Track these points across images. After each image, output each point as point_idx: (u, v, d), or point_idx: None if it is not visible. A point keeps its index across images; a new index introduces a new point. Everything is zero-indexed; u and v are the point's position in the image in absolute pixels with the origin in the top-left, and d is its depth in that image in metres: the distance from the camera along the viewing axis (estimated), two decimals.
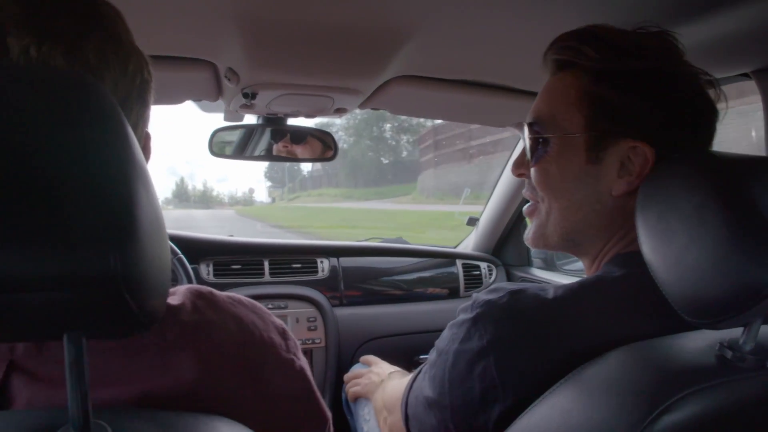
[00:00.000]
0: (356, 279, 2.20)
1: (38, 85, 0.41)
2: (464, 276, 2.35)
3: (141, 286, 0.40)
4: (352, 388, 1.42)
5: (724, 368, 0.62)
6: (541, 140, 0.86)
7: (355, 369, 1.60)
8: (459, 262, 2.37)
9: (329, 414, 0.74)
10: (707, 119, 0.82)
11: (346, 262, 2.21)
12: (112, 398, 0.53)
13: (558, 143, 0.84)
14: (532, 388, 0.69)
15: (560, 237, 0.88)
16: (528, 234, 0.94)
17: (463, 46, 1.21)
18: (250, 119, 1.74)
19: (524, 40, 1.12)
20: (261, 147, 1.79)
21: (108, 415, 0.46)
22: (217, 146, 1.76)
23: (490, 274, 2.41)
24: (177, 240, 1.91)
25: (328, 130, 1.79)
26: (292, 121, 1.73)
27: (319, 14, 1.03)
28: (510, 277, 2.45)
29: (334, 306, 2.10)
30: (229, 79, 1.33)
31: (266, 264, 2.08)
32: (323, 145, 1.81)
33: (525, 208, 0.96)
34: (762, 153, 1.14)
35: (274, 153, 1.79)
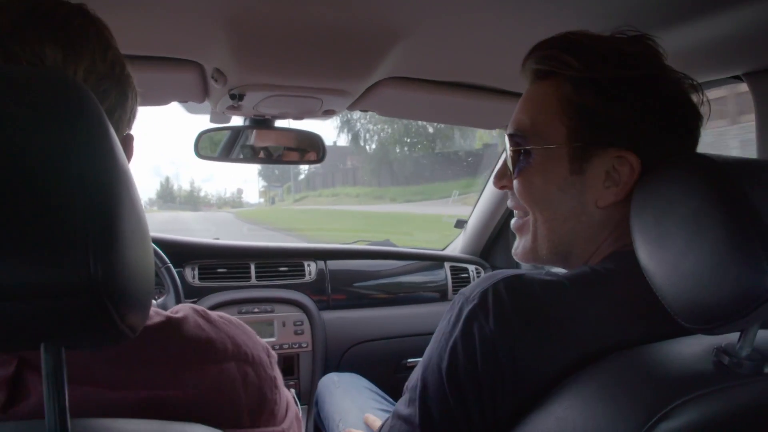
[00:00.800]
0: (344, 282, 2.19)
1: (17, 86, 0.40)
2: (452, 279, 2.35)
3: (123, 295, 0.39)
4: None
5: (722, 374, 0.61)
6: (522, 151, 0.84)
7: None
8: (447, 265, 2.37)
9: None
10: (691, 124, 0.81)
11: (334, 265, 2.19)
12: (119, 400, 0.54)
13: (540, 154, 0.82)
14: (537, 380, 0.67)
15: (549, 250, 0.86)
16: (517, 249, 0.91)
17: (452, 48, 1.21)
18: (237, 121, 1.72)
19: (513, 43, 1.12)
20: (247, 149, 1.77)
21: (88, 426, 0.45)
22: (203, 148, 1.74)
23: (479, 277, 2.40)
24: (161, 243, 1.89)
25: (316, 132, 1.78)
26: (279, 123, 1.71)
27: (308, 15, 1.02)
28: None
29: (321, 309, 2.09)
30: (216, 80, 1.32)
31: (252, 267, 2.07)
32: (311, 147, 1.79)
33: (513, 223, 0.93)
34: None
35: (261, 156, 1.78)
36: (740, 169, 0.63)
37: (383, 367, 2.11)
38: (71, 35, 0.57)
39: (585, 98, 0.78)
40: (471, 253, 2.51)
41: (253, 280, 2.05)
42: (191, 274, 1.98)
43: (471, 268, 2.41)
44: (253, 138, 1.76)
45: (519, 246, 0.91)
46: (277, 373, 0.72)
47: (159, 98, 1.53)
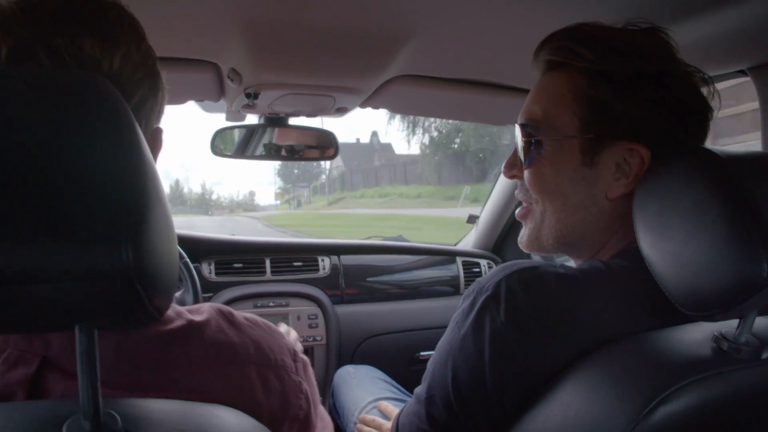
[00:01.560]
0: (357, 277, 2.21)
1: (55, 88, 0.43)
2: (464, 273, 2.36)
3: (151, 279, 0.42)
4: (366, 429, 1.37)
5: (720, 359, 0.63)
6: (534, 142, 0.84)
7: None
8: (459, 260, 2.38)
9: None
10: (702, 118, 0.82)
11: (347, 260, 2.21)
12: None
13: (552, 145, 0.83)
14: (544, 372, 0.69)
15: (555, 240, 0.86)
16: (522, 237, 0.92)
17: (463, 45, 1.22)
18: (251, 119, 1.75)
19: (525, 39, 1.13)
20: (262, 146, 1.80)
21: (117, 405, 0.47)
22: (219, 146, 1.77)
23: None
24: (178, 239, 1.91)
25: (329, 129, 1.80)
26: (293, 121, 1.74)
27: (322, 16, 1.04)
28: None
29: (335, 303, 2.11)
30: (231, 80, 1.35)
31: (267, 262, 2.09)
32: (324, 144, 1.82)
33: (518, 211, 0.93)
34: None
35: (275, 153, 1.81)
36: (743, 162, 0.65)
37: (396, 360, 2.12)
38: (107, 26, 0.59)
39: (598, 91, 0.79)
40: (483, 247, 2.52)
41: (269, 275, 2.07)
42: (208, 269, 2.01)
43: (483, 262, 2.42)
44: (268, 135, 1.79)
45: (524, 235, 0.91)
46: (305, 378, 0.71)
47: (176, 97, 1.56)
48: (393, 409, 1.34)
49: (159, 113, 0.68)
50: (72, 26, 0.56)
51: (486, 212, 2.46)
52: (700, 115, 0.82)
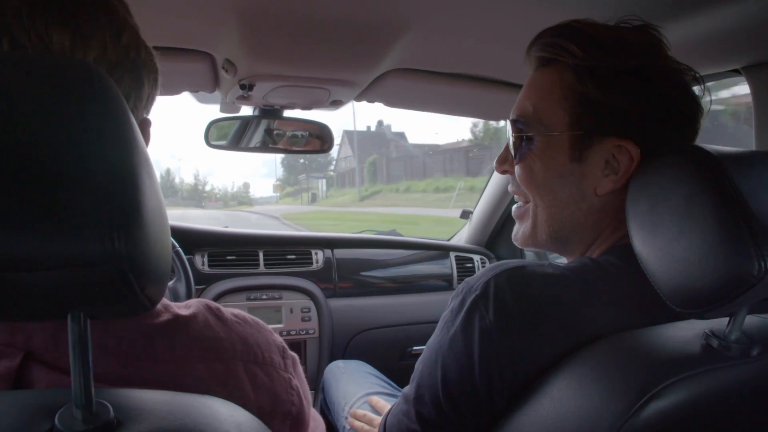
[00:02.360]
0: (350, 270, 2.21)
1: (46, 74, 0.42)
2: (457, 268, 2.37)
3: (143, 268, 0.41)
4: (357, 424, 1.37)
5: (711, 357, 0.63)
6: (524, 137, 0.85)
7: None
8: (452, 255, 2.39)
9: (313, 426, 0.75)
10: (692, 116, 0.82)
11: (341, 253, 2.22)
12: None
13: (541, 141, 0.83)
14: (533, 370, 0.70)
15: (548, 235, 0.87)
16: (516, 233, 0.93)
17: (458, 39, 1.22)
18: (246, 111, 1.74)
19: (520, 34, 1.13)
20: (257, 138, 1.80)
21: (109, 395, 0.47)
22: (213, 137, 1.76)
23: (483, 267, 2.42)
24: (171, 231, 1.91)
25: (324, 122, 1.80)
26: (288, 113, 1.74)
27: (317, 7, 1.04)
28: None
29: (328, 297, 2.12)
30: (226, 71, 1.34)
31: (261, 255, 2.09)
32: (319, 137, 1.82)
33: (514, 209, 0.94)
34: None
35: (270, 145, 1.80)
36: (734, 159, 0.65)
37: (388, 354, 2.13)
38: (80, 20, 0.54)
39: (586, 86, 0.79)
40: (476, 243, 2.53)
41: (262, 268, 2.08)
42: (201, 261, 2.01)
43: (476, 258, 2.43)
44: (262, 127, 1.79)
45: (519, 231, 0.92)
46: (294, 374, 0.70)
47: (171, 88, 1.55)
48: (384, 403, 1.34)
49: (146, 105, 0.66)
50: (38, 20, 0.52)
51: (479, 208, 2.47)
52: (689, 113, 0.82)
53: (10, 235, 0.37)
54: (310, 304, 2.06)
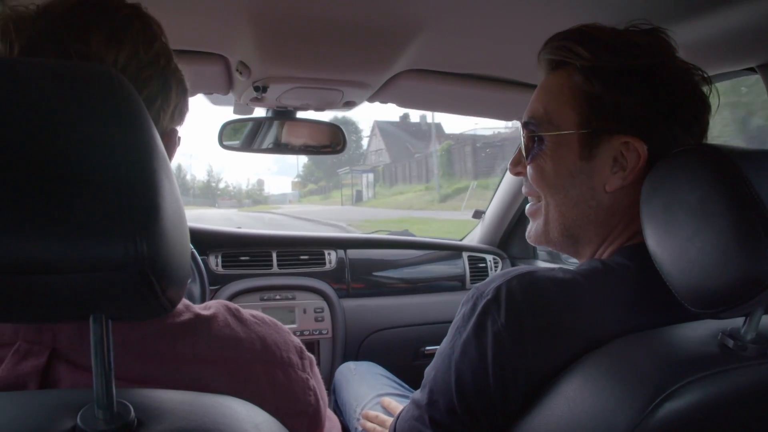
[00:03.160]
0: (363, 271, 2.21)
1: (67, 80, 0.43)
2: (470, 268, 2.36)
3: (165, 271, 0.42)
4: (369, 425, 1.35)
5: (726, 357, 0.63)
6: (536, 138, 0.87)
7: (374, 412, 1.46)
8: (465, 255, 2.38)
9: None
10: (699, 114, 0.83)
11: (353, 254, 2.22)
12: None
13: (552, 141, 0.85)
14: (545, 372, 0.70)
15: (560, 233, 0.88)
16: (530, 231, 0.95)
17: (472, 40, 1.22)
18: (259, 112, 1.75)
19: (532, 35, 1.13)
20: (269, 139, 1.81)
21: (130, 395, 0.48)
22: (226, 138, 1.78)
23: (496, 267, 2.42)
24: None
25: (336, 124, 1.81)
26: (300, 115, 1.75)
27: (331, 9, 1.04)
28: None
29: (341, 297, 2.12)
30: (240, 73, 1.35)
31: (274, 255, 2.10)
32: (331, 138, 1.82)
33: (527, 207, 0.96)
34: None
35: (283, 146, 1.81)
36: (750, 158, 0.65)
37: (402, 355, 2.13)
38: (116, 24, 0.61)
39: (593, 87, 0.81)
40: (488, 243, 2.52)
41: (275, 268, 2.08)
42: (215, 262, 2.02)
43: (488, 258, 2.42)
44: (275, 128, 1.80)
45: (531, 229, 0.94)
46: (311, 375, 0.71)
47: None
48: (396, 404, 1.35)
49: (174, 114, 0.69)
50: (80, 22, 0.59)
51: (492, 208, 2.46)
52: (696, 111, 0.83)
53: (34, 239, 0.38)
54: (324, 304, 2.06)
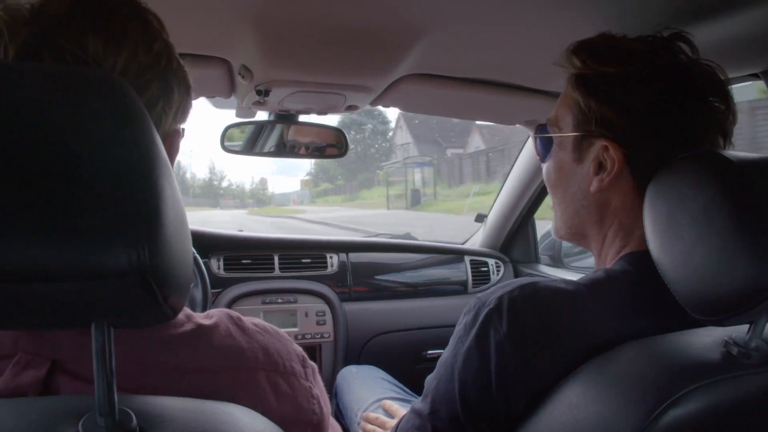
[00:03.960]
0: (365, 274, 2.21)
1: (69, 87, 0.43)
2: (472, 272, 2.36)
3: (167, 278, 0.42)
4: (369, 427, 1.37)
5: (730, 364, 0.63)
6: (545, 140, 0.94)
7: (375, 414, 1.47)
8: (467, 259, 2.38)
9: None
10: (684, 123, 0.81)
11: (355, 257, 2.22)
12: None
13: (556, 143, 0.92)
14: (547, 380, 0.70)
15: (566, 230, 0.95)
16: (551, 225, 1.01)
17: (474, 45, 1.22)
18: (261, 115, 1.75)
19: (535, 40, 1.14)
20: (271, 142, 1.81)
21: (132, 402, 0.48)
22: (228, 142, 1.78)
23: (498, 271, 2.42)
24: None
25: (338, 127, 1.81)
26: (303, 118, 1.75)
27: (333, 13, 1.04)
28: (517, 274, 2.45)
29: (343, 301, 2.12)
30: (242, 76, 1.35)
31: (276, 259, 2.10)
32: (333, 142, 1.83)
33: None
34: None
35: (285, 149, 1.81)
36: (753, 165, 0.64)
37: (404, 358, 2.13)
38: (114, 26, 0.58)
39: (579, 93, 0.85)
40: (491, 247, 2.52)
41: (277, 272, 2.08)
42: (217, 265, 2.02)
43: (491, 261, 2.42)
44: (277, 132, 1.80)
45: (552, 223, 1.00)
46: (314, 383, 0.71)
47: None
48: (398, 408, 1.35)
49: (177, 115, 0.67)
50: (76, 26, 0.56)
51: (494, 212, 2.46)
52: (679, 121, 0.81)
53: (35, 247, 0.37)
54: (325, 307, 2.06)
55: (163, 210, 0.42)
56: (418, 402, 0.83)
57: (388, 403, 1.39)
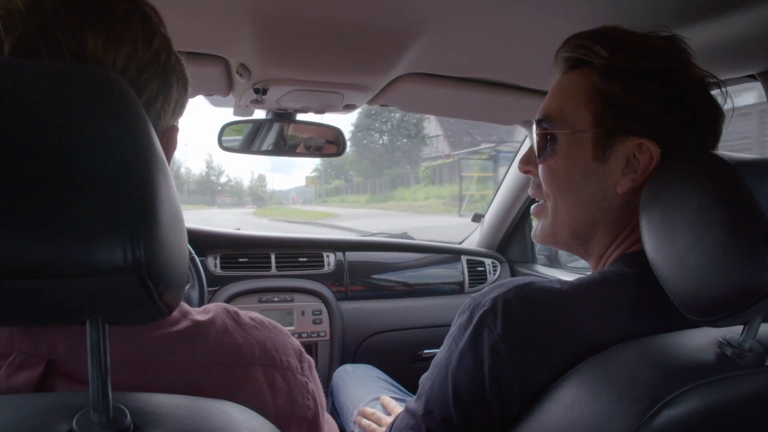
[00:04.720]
0: (362, 273, 2.22)
1: (66, 84, 0.43)
2: (469, 272, 2.36)
3: (163, 275, 0.42)
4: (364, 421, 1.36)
5: (724, 365, 0.63)
6: (549, 137, 0.87)
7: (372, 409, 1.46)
8: (464, 258, 2.39)
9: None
10: (713, 121, 0.82)
11: (352, 256, 2.22)
12: None
13: (566, 140, 0.85)
14: (541, 382, 0.70)
15: (569, 235, 0.88)
16: (536, 231, 0.94)
17: (471, 44, 1.22)
18: (259, 114, 1.75)
19: (533, 40, 1.14)
20: (269, 141, 1.81)
21: (126, 399, 0.48)
22: (226, 140, 1.78)
23: (495, 271, 2.42)
24: None
25: (336, 126, 1.81)
26: (300, 117, 1.75)
27: (331, 12, 1.04)
28: (514, 274, 2.46)
29: (339, 300, 2.12)
30: (240, 75, 1.35)
31: (273, 257, 2.10)
32: (331, 140, 1.83)
33: (533, 208, 0.95)
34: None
35: (282, 148, 1.81)
36: (749, 167, 0.64)
37: (400, 358, 2.14)
38: (113, 22, 0.56)
39: (610, 86, 0.81)
40: (487, 246, 2.52)
41: (274, 270, 2.09)
42: (213, 263, 2.02)
43: (487, 261, 2.42)
44: (275, 130, 1.80)
45: (537, 228, 0.94)
46: (311, 378, 0.70)
47: None
48: (395, 404, 1.34)
49: (175, 110, 0.67)
50: (75, 21, 0.54)
51: (491, 211, 2.46)
52: (711, 119, 0.82)
53: (30, 243, 0.37)
54: (322, 306, 2.06)
55: (158, 207, 0.41)
56: (413, 402, 0.83)
57: (386, 399, 1.39)
